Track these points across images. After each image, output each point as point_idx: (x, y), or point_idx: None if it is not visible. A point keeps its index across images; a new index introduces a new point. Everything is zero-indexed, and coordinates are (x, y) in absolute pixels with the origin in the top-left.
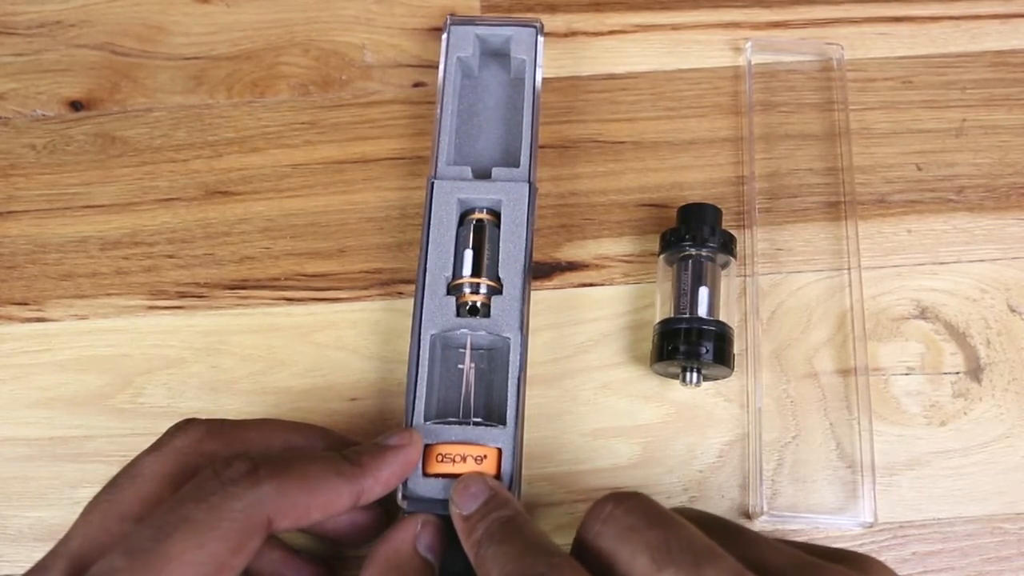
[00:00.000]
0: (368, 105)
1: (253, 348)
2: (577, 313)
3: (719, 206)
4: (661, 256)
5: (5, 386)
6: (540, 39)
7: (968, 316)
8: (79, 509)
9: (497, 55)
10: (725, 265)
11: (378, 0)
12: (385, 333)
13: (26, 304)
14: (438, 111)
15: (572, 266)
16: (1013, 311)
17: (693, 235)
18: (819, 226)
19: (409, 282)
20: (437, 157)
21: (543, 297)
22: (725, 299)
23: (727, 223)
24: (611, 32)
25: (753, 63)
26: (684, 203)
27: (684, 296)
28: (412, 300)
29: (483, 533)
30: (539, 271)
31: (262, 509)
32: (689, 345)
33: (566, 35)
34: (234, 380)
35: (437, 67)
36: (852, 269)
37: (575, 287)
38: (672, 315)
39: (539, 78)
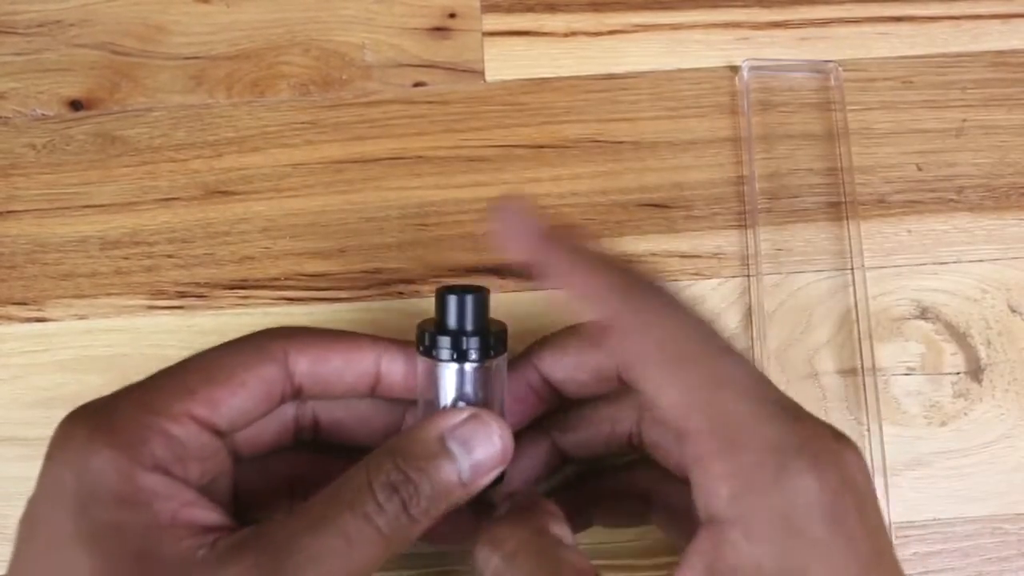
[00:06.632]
0: (368, 105)
1: None
2: (578, 313)
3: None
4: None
5: (4, 386)
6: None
7: (968, 316)
8: None
9: None
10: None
11: (378, 0)
12: (385, 333)
13: (26, 304)
14: None
15: None
16: (1014, 311)
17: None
18: (819, 226)
19: (409, 282)
20: None
21: (543, 297)
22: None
23: (727, 223)
24: (611, 32)
25: (749, 80)
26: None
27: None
28: (411, 301)
29: None
30: None
31: (274, 338)
32: None
33: (566, 35)
34: None
35: (437, 67)
36: (856, 269)
37: None
38: None
39: None
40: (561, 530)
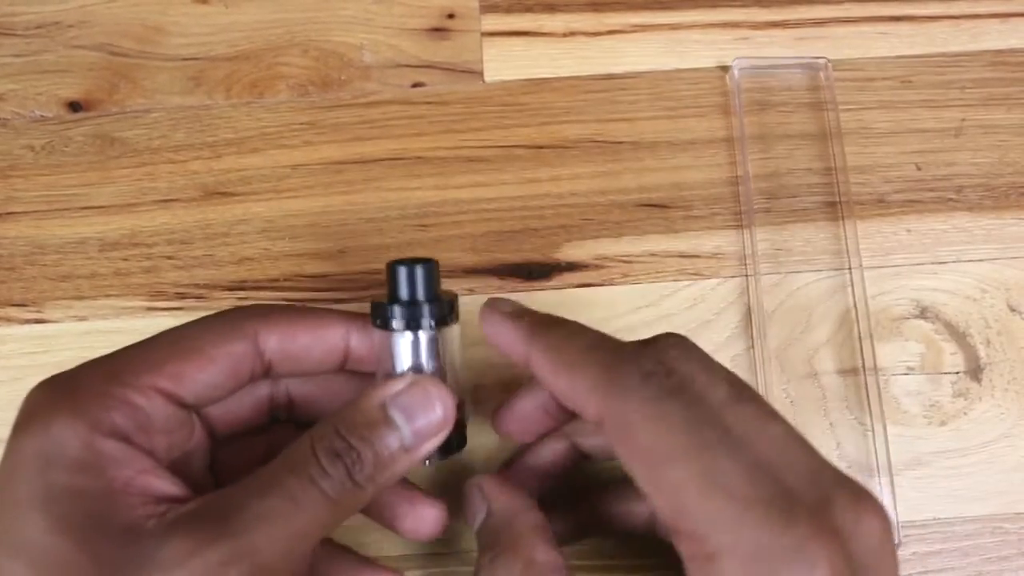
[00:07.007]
0: (367, 105)
1: None
2: (576, 314)
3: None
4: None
5: (4, 388)
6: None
7: (968, 316)
8: None
9: None
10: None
11: (377, 0)
12: None
13: (25, 305)
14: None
15: (571, 266)
16: (1013, 311)
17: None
18: (818, 226)
19: None
20: None
21: (542, 298)
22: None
23: (726, 223)
24: (610, 32)
25: (740, 80)
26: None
27: None
28: None
29: None
30: (538, 271)
31: (246, 316)
32: None
33: (565, 35)
34: None
35: (436, 68)
36: (854, 269)
37: (574, 287)
38: None
39: None
40: (547, 555)
